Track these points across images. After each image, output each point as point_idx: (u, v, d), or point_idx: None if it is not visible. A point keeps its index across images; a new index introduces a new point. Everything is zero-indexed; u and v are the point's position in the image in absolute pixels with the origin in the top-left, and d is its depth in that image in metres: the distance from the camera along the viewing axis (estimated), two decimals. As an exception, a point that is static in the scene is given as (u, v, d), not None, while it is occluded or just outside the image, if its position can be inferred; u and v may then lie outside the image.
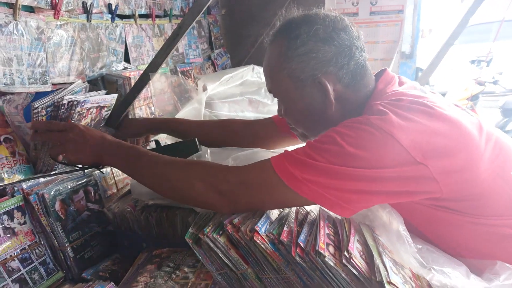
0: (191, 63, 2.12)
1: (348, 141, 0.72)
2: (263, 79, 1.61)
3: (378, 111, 0.75)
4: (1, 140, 0.98)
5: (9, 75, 1.04)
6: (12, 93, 1.07)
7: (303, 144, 0.81)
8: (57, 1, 1.19)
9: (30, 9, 1.14)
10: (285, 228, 0.78)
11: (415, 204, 0.78)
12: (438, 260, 0.76)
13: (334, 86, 0.84)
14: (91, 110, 1.07)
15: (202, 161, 0.87)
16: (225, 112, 1.69)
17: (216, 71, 2.41)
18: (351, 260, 0.68)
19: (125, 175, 1.24)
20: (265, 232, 0.76)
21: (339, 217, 0.87)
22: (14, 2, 1.05)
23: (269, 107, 1.70)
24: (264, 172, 0.78)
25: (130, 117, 1.39)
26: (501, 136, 0.81)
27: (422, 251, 0.75)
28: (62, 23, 1.23)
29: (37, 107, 0.96)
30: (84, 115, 1.05)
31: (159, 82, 1.75)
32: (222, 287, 0.82)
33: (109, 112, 1.16)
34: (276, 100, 0.97)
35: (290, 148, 0.85)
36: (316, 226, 0.79)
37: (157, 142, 1.26)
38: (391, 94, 0.82)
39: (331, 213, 0.89)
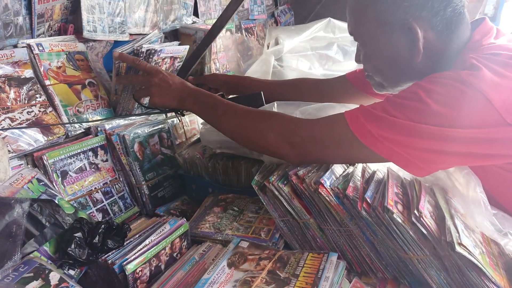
0: (255, 19, 2.10)
1: (434, 98, 0.68)
2: (337, 34, 1.54)
3: (471, 66, 0.69)
4: (86, 84, 1.07)
5: (92, 22, 1.11)
6: (94, 40, 1.14)
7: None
8: (135, -49, 1.22)
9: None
10: (350, 184, 0.78)
11: (497, 168, 0.73)
12: (513, 228, 0.72)
13: (425, 33, 0.78)
14: (165, 60, 1.12)
15: (276, 113, 0.88)
16: (293, 65, 1.64)
17: (278, 29, 2.37)
18: (421, 219, 0.68)
19: (192, 126, 1.30)
20: (330, 186, 0.77)
21: (408, 178, 0.85)
22: (98, -48, 1.10)
23: (340, 65, 1.63)
24: (337, 127, 0.77)
25: (205, 71, 1.44)
26: None
27: (498, 217, 0.71)
28: (139, -27, 1.26)
29: (117, 52, 1.02)
30: (159, 64, 1.10)
31: (225, 38, 1.76)
32: (283, 233, 0.86)
33: (181, 63, 1.20)
34: (348, 56, 0.94)
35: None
36: (384, 184, 0.79)
37: (222, 95, 1.30)
38: (488, 47, 0.75)
39: (400, 173, 0.87)
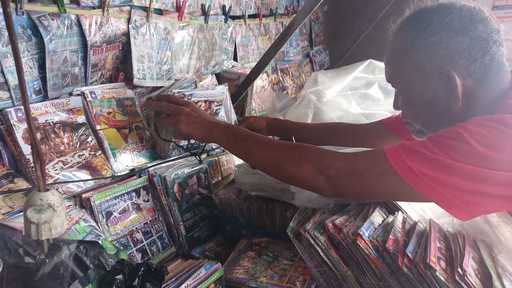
0: (290, 60, 2.16)
1: (477, 140, 0.67)
2: (377, 75, 1.56)
3: None
4: (133, 128, 1.14)
5: (142, 71, 1.20)
6: (142, 86, 1.23)
7: None
8: (181, 3, 1.32)
9: (159, 12, 1.28)
10: (390, 236, 0.76)
11: None
12: None
13: (463, 80, 0.79)
14: (199, 103, 1.17)
15: (311, 145, 0.87)
16: (331, 105, 1.66)
17: (313, 68, 2.41)
18: (466, 278, 0.64)
19: (229, 166, 1.34)
20: (368, 237, 0.76)
21: (451, 231, 0.82)
22: (148, 5, 1.20)
23: (380, 104, 1.63)
24: (376, 161, 0.76)
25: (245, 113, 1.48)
26: None
27: None
28: (184, 24, 1.36)
29: (145, 98, 1.09)
30: None
31: (261, 79, 1.83)
32: (320, 284, 0.84)
33: (220, 107, 1.25)
34: (388, 96, 0.94)
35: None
36: (426, 237, 0.76)
37: None
38: None
39: (443, 222, 0.84)
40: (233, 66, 1.62)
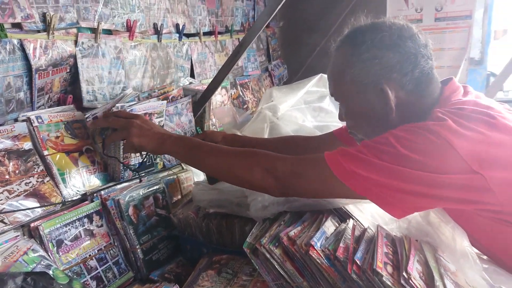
0: (249, 75, 2.20)
1: (402, 143, 0.74)
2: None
3: (437, 118, 0.76)
4: (84, 150, 1.11)
5: (92, 92, 1.18)
6: (93, 108, 1.20)
7: None
8: (131, 23, 1.32)
9: (109, 32, 1.27)
10: (341, 244, 0.78)
11: (477, 216, 0.76)
12: (506, 282, 0.72)
13: (396, 92, 0.85)
14: None
15: (261, 150, 0.92)
16: (289, 119, 1.70)
17: (272, 81, 2.47)
18: (410, 281, 0.67)
19: (189, 183, 1.33)
20: (320, 247, 0.77)
21: (398, 235, 0.85)
22: (96, 27, 1.19)
23: (333, 115, 1.70)
24: (317, 163, 0.82)
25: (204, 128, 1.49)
26: None
27: (489, 271, 0.71)
28: (136, 43, 1.36)
29: (88, 116, 1.08)
30: None
31: (220, 94, 1.84)
32: (278, 297, 0.85)
33: (161, 119, 1.23)
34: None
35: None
36: (374, 243, 0.79)
37: None
38: (455, 102, 0.82)
39: (392, 231, 0.87)
40: (190, 83, 1.62)
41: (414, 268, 0.71)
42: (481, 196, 0.72)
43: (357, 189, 0.77)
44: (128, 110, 1.08)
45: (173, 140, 0.98)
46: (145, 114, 1.15)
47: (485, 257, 0.83)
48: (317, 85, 1.75)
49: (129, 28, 1.32)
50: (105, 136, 1.08)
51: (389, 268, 0.72)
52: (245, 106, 2.10)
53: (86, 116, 1.10)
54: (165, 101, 1.22)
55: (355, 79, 0.87)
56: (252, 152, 0.92)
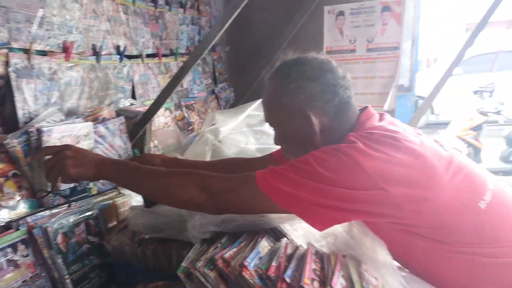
0: (195, 97, 2.21)
1: (319, 163, 0.82)
2: None
3: (350, 141, 0.85)
4: (10, 176, 1.05)
5: (28, 114, 1.13)
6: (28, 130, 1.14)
7: None
8: (68, 44, 1.29)
9: (43, 53, 1.23)
10: (273, 263, 0.81)
11: (390, 229, 0.84)
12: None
13: (319, 118, 0.94)
14: (64, 140, 1.10)
15: (195, 170, 0.97)
16: (231, 143, 1.74)
17: (219, 104, 2.50)
18: (334, 296, 0.71)
19: (126, 208, 1.29)
20: (253, 267, 0.79)
21: (327, 251, 0.90)
22: (29, 48, 1.15)
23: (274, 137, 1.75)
24: (247, 181, 0.88)
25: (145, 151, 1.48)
26: (474, 170, 0.88)
27: (406, 279, 0.78)
28: (72, 64, 1.32)
29: (8, 139, 1.03)
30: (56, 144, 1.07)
31: (163, 116, 1.83)
32: (212, 321, 0.84)
33: (91, 141, 1.19)
34: None
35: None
36: (303, 261, 0.82)
37: None
38: (368, 127, 0.91)
39: (320, 247, 0.92)
40: (131, 104, 1.60)
41: (338, 283, 0.75)
42: (388, 210, 0.80)
43: (281, 204, 0.84)
44: (46, 131, 1.06)
45: (110, 165, 0.97)
46: (70, 136, 1.12)
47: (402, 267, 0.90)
48: (259, 109, 1.81)
49: (66, 49, 1.29)
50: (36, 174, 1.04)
51: (316, 284, 0.75)
52: (190, 128, 2.10)
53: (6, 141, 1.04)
54: (91, 123, 1.19)
55: (284, 107, 0.96)
56: (187, 172, 0.96)
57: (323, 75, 0.93)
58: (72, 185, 1.11)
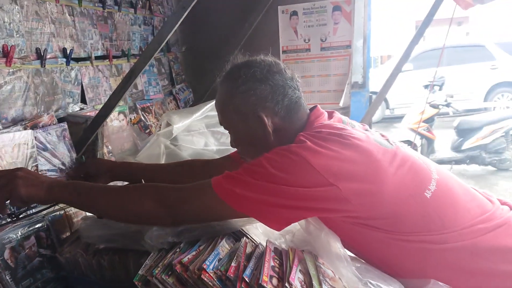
0: (151, 99, 2.16)
1: (271, 164, 0.84)
2: None
3: (299, 141, 0.87)
4: None
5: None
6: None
7: None
8: (9, 48, 1.21)
9: (-20, 58, 1.15)
10: (233, 264, 0.81)
11: (343, 223, 0.87)
12: (374, 277, 0.83)
13: (272, 119, 0.96)
14: (3, 150, 1.05)
15: (151, 183, 0.97)
16: (189, 145, 1.72)
17: (178, 105, 2.46)
18: (292, 291, 0.72)
19: (79, 218, 1.23)
20: (213, 269, 0.79)
21: (285, 248, 0.91)
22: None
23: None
24: (203, 188, 0.88)
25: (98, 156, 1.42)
26: (418, 161, 0.93)
27: (360, 270, 0.82)
28: (14, 70, 1.25)
29: None
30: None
31: (117, 120, 1.77)
32: (173, 327, 0.83)
33: (34, 149, 1.14)
34: None
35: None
36: (262, 259, 0.83)
37: None
38: (317, 126, 0.94)
39: (279, 243, 0.93)
40: (81, 109, 1.53)
41: (296, 278, 0.77)
42: (339, 205, 0.83)
43: (238, 207, 0.84)
44: None
45: (61, 187, 0.94)
46: (14, 146, 1.07)
47: (358, 258, 0.94)
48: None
49: (6, 54, 1.21)
50: None
51: (275, 281, 0.76)
52: (147, 131, 2.05)
53: None
54: (30, 130, 1.14)
55: (237, 109, 0.97)
56: (141, 186, 0.96)
57: (272, 76, 0.95)
58: (21, 209, 1.05)
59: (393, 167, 0.86)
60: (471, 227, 0.87)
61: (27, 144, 1.12)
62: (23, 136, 1.09)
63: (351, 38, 2.23)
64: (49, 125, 1.24)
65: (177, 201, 0.89)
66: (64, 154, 1.27)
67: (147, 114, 2.12)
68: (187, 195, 0.89)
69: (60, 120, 1.41)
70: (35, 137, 1.16)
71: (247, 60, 1.00)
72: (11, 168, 0.98)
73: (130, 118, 1.92)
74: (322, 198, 0.82)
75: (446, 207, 0.89)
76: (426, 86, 5.20)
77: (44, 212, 1.10)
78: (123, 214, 0.93)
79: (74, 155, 1.31)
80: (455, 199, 0.91)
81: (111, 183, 1.28)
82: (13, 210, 1.04)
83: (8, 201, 0.93)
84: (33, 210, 1.09)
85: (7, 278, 0.94)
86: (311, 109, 1.02)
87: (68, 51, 1.46)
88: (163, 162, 1.48)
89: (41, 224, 1.07)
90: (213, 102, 1.89)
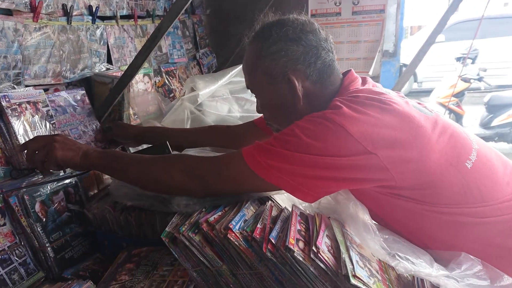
0: (175, 63, 2.13)
1: (305, 133, 0.79)
2: None
3: (335, 106, 0.82)
4: (-20, 143, 0.99)
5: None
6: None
7: None
8: (36, 3, 1.19)
9: (9, 12, 1.14)
10: (258, 225, 0.80)
11: (376, 193, 0.83)
12: (403, 249, 0.80)
13: (302, 82, 0.90)
14: (23, 105, 1.08)
15: (179, 154, 0.96)
16: (213, 110, 1.70)
17: (201, 70, 2.42)
18: (319, 254, 0.71)
19: (107, 176, 1.25)
20: (239, 230, 0.79)
21: (311, 213, 0.90)
22: (-10, 5, 1.06)
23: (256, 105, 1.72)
24: (234, 159, 0.85)
25: (124, 119, 1.43)
26: (459, 130, 0.87)
27: (389, 241, 0.79)
28: (41, 25, 1.23)
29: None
30: (18, 111, 1.06)
31: (142, 82, 1.76)
32: (198, 283, 0.84)
33: (49, 108, 1.17)
34: None
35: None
36: (288, 222, 0.82)
37: (123, 148, 1.32)
38: (352, 91, 0.89)
39: (305, 209, 0.92)
40: (107, 69, 1.52)
41: (323, 242, 0.75)
42: (377, 174, 0.78)
43: (270, 179, 0.81)
44: (5, 97, 1.02)
45: (97, 154, 0.96)
46: (29, 102, 1.10)
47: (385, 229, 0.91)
48: (241, 75, 1.75)
49: (34, 9, 1.20)
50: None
51: (301, 244, 0.75)
52: (171, 95, 2.04)
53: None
54: (41, 90, 1.16)
55: (266, 71, 0.92)
56: (171, 157, 0.95)
57: (305, 36, 0.89)
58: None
59: (435, 134, 0.81)
60: (510, 201, 0.83)
61: (43, 102, 1.15)
62: (36, 94, 1.13)
63: (385, 2, 2.11)
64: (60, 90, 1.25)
65: (208, 172, 0.87)
66: (83, 117, 1.29)
67: (171, 78, 2.10)
68: (218, 167, 0.86)
69: (85, 80, 1.41)
70: (54, 101, 1.19)
71: (279, 19, 0.94)
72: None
73: (155, 81, 1.90)
74: (360, 167, 0.77)
75: (486, 179, 0.84)
76: (458, 59, 4.95)
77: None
78: (153, 184, 0.93)
79: (94, 119, 1.31)
80: (494, 171, 0.86)
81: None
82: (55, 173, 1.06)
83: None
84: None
85: (39, 229, 0.97)
86: (345, 73, 0.96)
87: (94, 9, 1.43)
88: (187, 126, 1.47)
89: (69, 180, 1.09)
90: (238, 68, 1.87)
